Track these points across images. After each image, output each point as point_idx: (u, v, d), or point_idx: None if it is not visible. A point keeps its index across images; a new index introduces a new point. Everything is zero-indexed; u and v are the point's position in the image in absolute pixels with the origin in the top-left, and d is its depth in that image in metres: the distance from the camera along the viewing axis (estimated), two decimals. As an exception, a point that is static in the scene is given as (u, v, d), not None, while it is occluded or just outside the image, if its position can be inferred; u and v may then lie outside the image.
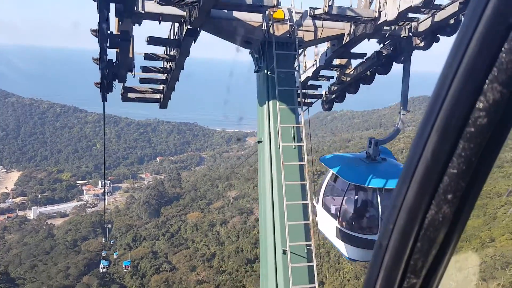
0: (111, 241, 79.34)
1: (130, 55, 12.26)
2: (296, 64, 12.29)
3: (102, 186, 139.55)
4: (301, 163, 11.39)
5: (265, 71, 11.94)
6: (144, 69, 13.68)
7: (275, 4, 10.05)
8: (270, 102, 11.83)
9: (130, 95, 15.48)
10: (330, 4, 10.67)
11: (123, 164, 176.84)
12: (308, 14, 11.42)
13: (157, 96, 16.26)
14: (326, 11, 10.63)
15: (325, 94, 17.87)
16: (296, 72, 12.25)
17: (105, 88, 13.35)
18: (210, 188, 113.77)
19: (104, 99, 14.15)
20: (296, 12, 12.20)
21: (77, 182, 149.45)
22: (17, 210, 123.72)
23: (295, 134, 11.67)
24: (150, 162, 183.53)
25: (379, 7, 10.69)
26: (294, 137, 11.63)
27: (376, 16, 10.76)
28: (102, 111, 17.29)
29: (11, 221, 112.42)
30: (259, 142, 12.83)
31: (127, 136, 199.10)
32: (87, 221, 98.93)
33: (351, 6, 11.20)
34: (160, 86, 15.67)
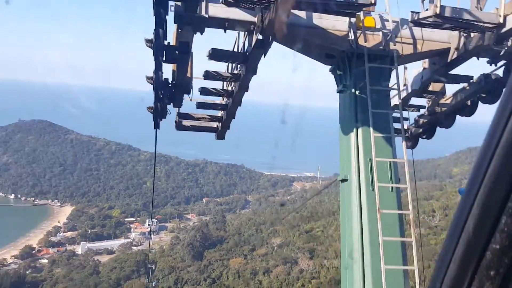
0: (153, 283, 79.34)
1: (188, 74, 10.86)
2: (394, 82, 10.21)
3: (149, 225, 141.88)
4: (405, 212, 9.38)
5: (353, 90, 9.85)
6: (203, 91, 11.80)
7: (373, 2, 8.03)
8: (360, 130, 9.63)
9: (185, 122, 13.76)
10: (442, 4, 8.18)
11: (170, 203, 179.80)
12: (410, 19, 9.15)
13: (215, 124, 14.30)
14: (438, 12, 8.05)
15: (409, 128, 14.77)
16: (391, 92, 10.29)
17: (158, 112, 11.76)
18: (254, 233, 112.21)
19: (157, 126, 12.44)
20: (391, 21, 10.16)
21: (126, 219, 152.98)
22: (67, 244, 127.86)
23: (392, 172, 9.51)
24: (196, 203, 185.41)
25: (503, 10, 8.12)
26: (391, 176, 9.47)
27: (501, 21, 8.21)
28: (154, 150, 16.86)
29: (60, 255, 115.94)
30: (343, 180, 10.27)
31: (176, 175, 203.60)
32: (132, 259, 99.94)
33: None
34: (219, 113, 13.82)
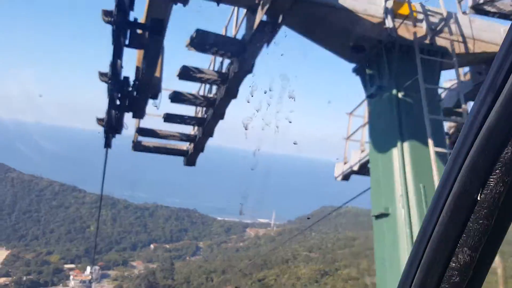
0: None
1: (157, 73, 7.95)
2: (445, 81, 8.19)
3: (91, 272, 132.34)
4: None
5: (394, 92, 7.58)
6: (175, 97, 8.40)
7: None
8: (407, 145, 7.27)
9: (146, 142, 10.56)
10: None
11: (115, 249, 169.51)
12: (470, 4, 6.96)
13: (185, 146, 11.03)
14: None
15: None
16: (444, 94, 8.05)
17: (112, 125, 8.37)
18: (204, 282, 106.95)
19: (108, 144, 9.14)
20: (432, 13, 8.14)
21: (65, 265, 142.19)
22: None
23: None
24: (143, 249, 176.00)
25: None
26: None
27: None
28: (100, 193, 12.99)
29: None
30: (382, 216, 7.78)
31: (123, 219, 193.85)
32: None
33: None
34: (192, 130, 10.59)
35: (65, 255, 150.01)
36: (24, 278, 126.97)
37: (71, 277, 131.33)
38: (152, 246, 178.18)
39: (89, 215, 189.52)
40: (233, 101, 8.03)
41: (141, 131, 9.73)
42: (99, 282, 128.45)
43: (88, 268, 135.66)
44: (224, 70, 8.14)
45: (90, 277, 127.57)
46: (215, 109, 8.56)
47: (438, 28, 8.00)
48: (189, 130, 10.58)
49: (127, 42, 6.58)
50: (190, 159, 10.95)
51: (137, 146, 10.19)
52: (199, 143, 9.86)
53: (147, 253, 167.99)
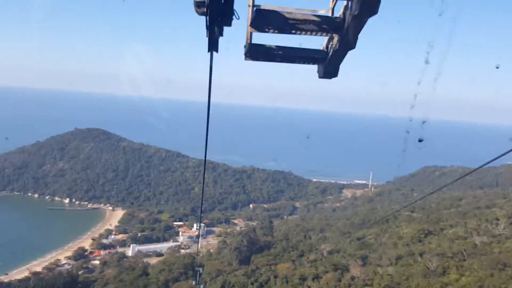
0: (201, 286, 78.02)
1: None
2: None
3: (197, 229, 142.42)
4: None
5: None
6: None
7: None
8: None
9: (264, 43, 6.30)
10: None
11: (217, 208, 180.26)
12: None
13: (322, 45, 6.37)
14: None
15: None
16: None
17: (219, 9, 4.70)
18: (302, 239, 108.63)
19: (213, 45, 5.22)
20: None
21: (175, 223, 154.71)
22: (117, 246, 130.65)
23: None
24: (243, 208, 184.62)
25: None
26: None
27: None
28: (204, 157, 9.53)
29: (111, 257, 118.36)
30: None
31: (224, 182, 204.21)
32: (180, 262, 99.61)
33: None
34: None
35: (174, 214, 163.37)
36: (139, 234, 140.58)
37: (180, 233, 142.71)
38: (251, 206, 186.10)
39: (193, 178, 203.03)
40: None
41: (259, 14, 5.47)
42: (205, 238, 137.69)
43: (195, 225, 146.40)
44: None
45: (197, 233, 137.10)
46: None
47: None
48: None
49: None
50: (330, 66, 6.19)
51: (252, 50, 5.96)
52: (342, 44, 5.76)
53: (247, 212, 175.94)
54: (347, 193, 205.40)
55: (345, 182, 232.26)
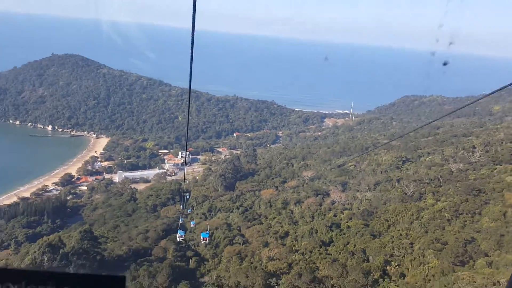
0: (189, 210, 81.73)
1: None
2: None
3: (182, 156, 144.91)
4: None
5: None
6: None
7: None
8: None
9: None
10: None
11: (202, 137, 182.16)
12: None
13: None
14: None
15: None
16: None
17: None
18: (285, 167, 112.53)
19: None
20: None
21: (160, 151, 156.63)
22: (104, 173, 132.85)
23: None
24: (227, 137, 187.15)
25: None
26: None
27: None
28: (187, 86, 11.80)
29: (98, 183, 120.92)
30: None
31: (207, 111, 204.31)
32: (167, 188, 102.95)
33: None
34: None
35: (158, 142, 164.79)
36: (125, 161, 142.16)
37: (166, 160, 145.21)
38: (235, 134, 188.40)
39: (176, 106, 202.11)
40: None
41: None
42: (190, 165, 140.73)
43: (180, 153, 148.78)
44: None
45: (182, 160, 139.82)
46: None
47: None
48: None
49: None
50: None
51: None
52: None
53: (231, 141, 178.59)
54: (329, 122, 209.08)
55: (327, 112, 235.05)
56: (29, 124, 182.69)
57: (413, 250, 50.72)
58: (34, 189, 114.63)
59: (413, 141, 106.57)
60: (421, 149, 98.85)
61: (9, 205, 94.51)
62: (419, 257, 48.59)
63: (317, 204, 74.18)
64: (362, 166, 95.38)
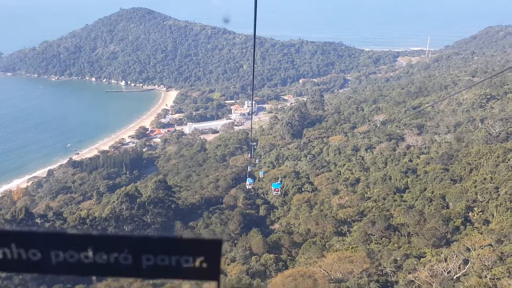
0: (257, 160, 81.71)
1: None
2: None
3: (248, 106, 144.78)
4: None
5: None
6: None
7: None
8: None
9: None
10: None
11: (267, 85, 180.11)
12: None
13: None
14: None
15: None
16: None
17: None
18: (354, 112, 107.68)
19: None
20: None
21: (226, 101, 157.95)
22: (175, 125, 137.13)
23: None
24: (293, 84, 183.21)
25: None
26: None
27: None
28: (251, 33, 11.08)
29: (170, 135, 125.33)
30: None
31: (272, 57, 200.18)
32: (234, 138, 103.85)
33: None
34: None
35: (225, 92, 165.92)
36: (194, 113, 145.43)
37: (232, 111, 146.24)
38: (300, 81, 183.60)
39: (241, 55, 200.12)
40: None
41: None
42: (256, 114, 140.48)
43: (246, 103, 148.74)
44: None
45: (248, 110, 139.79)
46: None
47: None
48: None
49: None
50: None
51: None
52: None
53: (297, 88, 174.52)
54: (402, 61, 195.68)
55: (400, 50, 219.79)
56: (104, 80, 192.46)
57: (498, 195, 46.13)
58: (112, 142, 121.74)
59: (499, 76, 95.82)
60: (507, 84, 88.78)
61: (90, 158, 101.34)
62: (505, 202, 44.04)
63: (390, 149, 70.26)
64: (441, 107, 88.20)
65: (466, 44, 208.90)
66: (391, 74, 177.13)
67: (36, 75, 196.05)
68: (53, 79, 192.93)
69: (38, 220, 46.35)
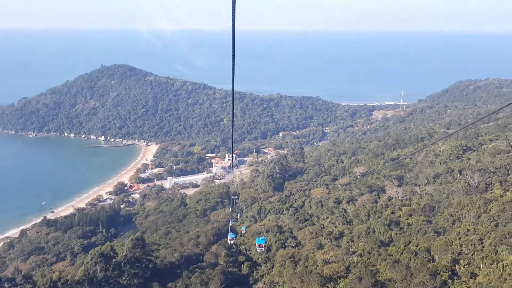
0: (238, 214, 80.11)
1: None
2: None
3: (229, 159, 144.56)
4: None
5: None
6: None
7: None
8: None
9: None
10: None
11: (247, 138, 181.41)
12: None
13: None
14: None
15: None
16: None
17: None
18: (334, 164, 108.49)
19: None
20: None
21: (207, 155, 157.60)
22: (155, 179, 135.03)
23: None
24: (273, 137, 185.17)
25: None
26: None
27: None
28: (230, 88, 12.77)
29: (150, 190, 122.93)
30: None
31: (251, 111, 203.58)
32: (215, 192, 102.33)
33: None
34: None
35: (205, 146, 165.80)
36: (174, 167, 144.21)
37: (213, 164, 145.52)
38: (280, 134, 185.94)
39: (221, 109, 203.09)
40: None
41: None
42: (237, 168, 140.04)
43: (227, 156, 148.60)
44: None
45: (229, 163, 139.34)
46: None
47: None
48: None
49: None
50: None
51: None
52: None
53: (277, 141, 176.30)
54: (378, 114, 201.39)
55: (375, 104, 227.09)
56: (83, 136, 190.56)
57: (483, 247, 45.80)
58: (89, 199, 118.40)
59: (472, 128, 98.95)
60: (482, 136, 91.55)
61: (65, 217, 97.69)
62: (491, 254, 43.66)
63: (372, 201, 70.08)
64: (419, 158, 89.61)
65: (438, 98, 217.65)
66: (368, 127, 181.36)
67: (13, 132, 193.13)
68: (30, 136, 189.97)
69: (6, 285, 43.26)
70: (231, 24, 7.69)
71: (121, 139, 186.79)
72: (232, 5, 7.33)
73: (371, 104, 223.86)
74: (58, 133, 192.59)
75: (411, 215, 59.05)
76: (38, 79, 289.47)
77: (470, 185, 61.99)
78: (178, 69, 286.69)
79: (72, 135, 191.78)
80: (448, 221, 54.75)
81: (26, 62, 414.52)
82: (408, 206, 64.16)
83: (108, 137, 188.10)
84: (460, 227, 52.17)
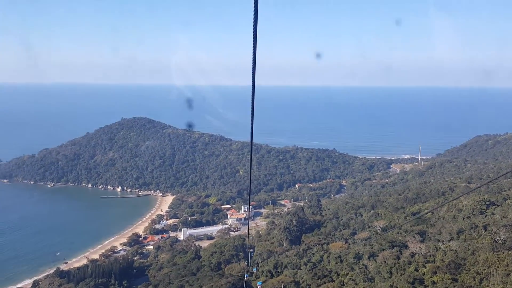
0: (254, 268, 77.62)
1: None
2: None
3: (244, 211, 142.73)
4: None
5: None
6: None
7: None
8: None
9: None
10: None
11: (263, 190, 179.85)
12: None
13: None
14: None
15: None
16: None
17: None
18: (353, 217, 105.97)
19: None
20: None
21: (222, 206, 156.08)
22: (169, 231, 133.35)
23: None
24: (289, 189, 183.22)
25: None
26: None
27: None
28: (247, 140, 12.90)
29: (164, 242, 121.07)
30: None
31: (267, 163, 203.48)
32: (230, 244, 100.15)
33: None
34: None
35: (221, 197, 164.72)
36: (189, 218, 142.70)
37: (229, 216, 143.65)
38: (297, 186, 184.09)
39: (237, 160, 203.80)
40: None
41: None
42: (253, 219, 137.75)
43: (242, 208, 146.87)
44: None
45: (245, 215, 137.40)
46: None
47: None
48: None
49: None
50: None
51: None
52: None
53: (293, 193, 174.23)
54: (396, 168, 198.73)
55: (392, 157, 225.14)
56: (100, 187, 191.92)
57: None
58: (103, 250, 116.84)
59: (495, 182, 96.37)
60: (505, 190, 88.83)
61: (78, 268, 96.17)
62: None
63: (394, 257, 67.16)
64: (441, 213, 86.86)
65: (457, 152, 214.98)
66: (386, 180, 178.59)
67: (32, 182, 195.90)
68: (49, 186, 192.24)
69: None
70: (251, 79, 8.10)
71: (137, 190, 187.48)
72: (253, 62, 7.46)
73: (389, 158, 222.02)
74: (76, 184, 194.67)
75: (435, 272, 56.08)
76: (60, 130, 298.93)
77: (496, 241, 59.23)
78: (210, 121, 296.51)
79: (89, 185, 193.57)
80: (475, 279, 51.75)
81: (74, 113, 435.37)
82: (432, 263, 61.22)
83: (125, 188, 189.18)
84: (488, 286, 49.24)
